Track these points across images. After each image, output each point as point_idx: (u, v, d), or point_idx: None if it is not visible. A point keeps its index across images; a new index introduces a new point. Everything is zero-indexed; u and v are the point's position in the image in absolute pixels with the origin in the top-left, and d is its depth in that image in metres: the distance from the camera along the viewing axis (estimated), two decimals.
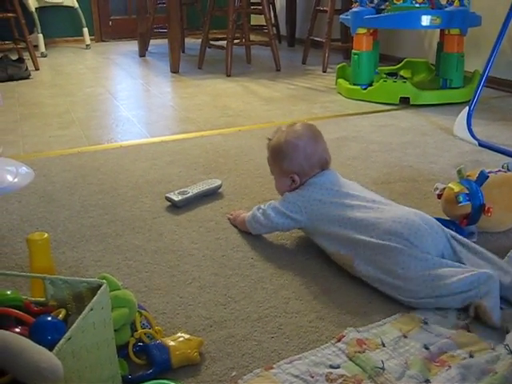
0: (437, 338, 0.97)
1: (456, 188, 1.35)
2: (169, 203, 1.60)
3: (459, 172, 1.40)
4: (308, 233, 1.34)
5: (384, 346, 0.96)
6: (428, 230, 1.15)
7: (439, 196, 1.42)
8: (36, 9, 4.55)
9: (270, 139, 1.43)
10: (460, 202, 1.32)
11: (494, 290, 1.04)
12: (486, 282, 1.04)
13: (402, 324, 1.02)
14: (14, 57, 3.72)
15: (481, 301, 1.03)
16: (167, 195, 1.60)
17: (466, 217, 1.34)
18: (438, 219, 1.28)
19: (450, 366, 0.90)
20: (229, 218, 1.51)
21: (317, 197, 1.29)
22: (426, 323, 1.02)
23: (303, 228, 1.33)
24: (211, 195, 1.65)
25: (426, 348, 0.95)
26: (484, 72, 2.11)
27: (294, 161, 1.34)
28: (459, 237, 1.21)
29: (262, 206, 1.37)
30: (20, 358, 0.63)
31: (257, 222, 1.37)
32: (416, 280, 1.08)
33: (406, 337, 0.98)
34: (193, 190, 1.62)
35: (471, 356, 0.92)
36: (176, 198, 1.58)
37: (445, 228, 1.20)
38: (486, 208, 1.32)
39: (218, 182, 1.68)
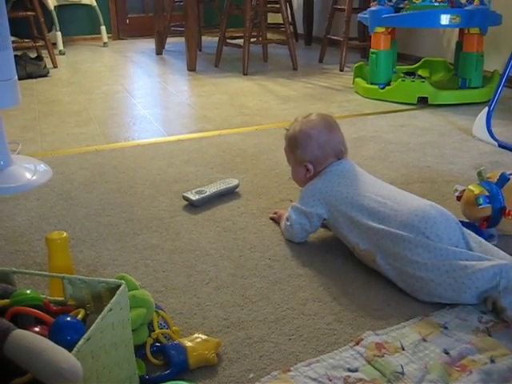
0: (457, 343, 0.96)
1: (476, 190, 1.33)
2: (186, 202, 1.60)
3: (479, 174, 1.38)
4: (330, 226, 1.34)
5: (403, 349, 0.95)
6: (443, 223, 1.15)
7: (459, 198, 1.40)
8: (55, 7, 4.60)
9: (287, 129, 1.45)
10: (480, 205, 1.30)
11: None
12: (507, 275, 1.05)
13: (421, 328, 1.01)
14: (33, 55, 3.75)
15: (499, 296, 1.03)
16: (184, 194, 1.60)
17: (486, 219, 1.33)
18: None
19: (471, 372, 0.88)
20: (272, 218, 1.50)
21: (333, 186, 1.30)
22: (445, 328, 1.00)
23: (326, 221, 1.32)
24: (228, 195, 1.65)
25: (446, 353, 0.93)
26: (504, 72, 2.09)
27: (308, 150, 1.37)
28: (473, 234, 1.20)
29: (287, 216, 1.38)
30: (41, 358, 0.64)
31: (287, 231, 1.37)
32: (438, 270, 1.08)
33: (425, 340, 0.97)
34: (210, 190, 1.62)
35: (492, 361, 0.91)
36: (193, 197, 1.58)
37: (458, 222, 1.20)
38: (507, 211, 1.30)
39: (235, 182, 1.68)
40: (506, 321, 1.02)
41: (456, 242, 1.14)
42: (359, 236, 1.22)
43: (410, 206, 1.19)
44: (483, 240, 1.19)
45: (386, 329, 1.02)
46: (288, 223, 1.36)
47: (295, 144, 1.39)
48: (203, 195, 1.59)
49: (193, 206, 1.58)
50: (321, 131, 1.38)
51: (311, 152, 1.36)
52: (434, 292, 1.08)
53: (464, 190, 1.38)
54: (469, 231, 1.20)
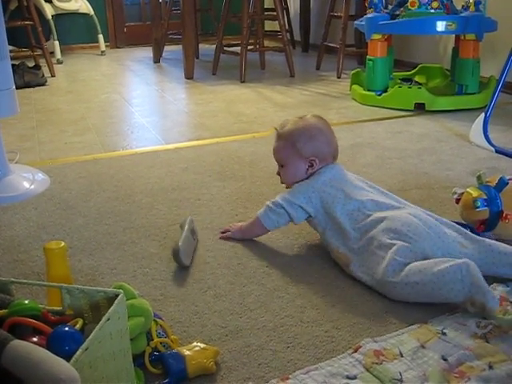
0: (455, 349, 0.96)
1: (474, 193, 1.34)
2: (184, 210, 1.60)
3: (479, 178, 1.39)
4: (313, 224, 1.35)
5: (402, 356, 0.95)
6: (426, 230, 1.19)
7: (457, 201, 1.41)
8: (52, 16, 4.60)
9: (278, 129, 1.42)
10: (477, 207, 1.31)
11: (478, 278, 1.04)
12: (467, 273, 1.05)
13: (419, 334, 1.01)
14: (31, 64, 3.76)
15: (472, 297, 1.04)
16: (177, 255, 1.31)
17: (483, 222, 1.33)
18: (454, 222, 1.27)
19: (469, 378, 0.89)
20: (225, 236, 1.43)
21: (327, 189, 1.31)
22: (444, 334, 1.01)
23: (312, 219, 1.33)
24: (228, 203, 1.65)
25: (445, 359, 0.94)
26: (500, 77, 2.09)
27: (317, 143, 1.35)
28: (467, 233, 1.23)
29: (273, 200, 1.36)
30: (39, 368, 0.64)
31: (272, 212, 1.34)
32: (401, 283, 1.11)
33: (424, 347, 0.97)
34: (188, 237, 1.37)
35: (490, 367, 0.91)
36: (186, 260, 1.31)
37: (450, 228, 1.24)
38: (504, 215, 1.31)
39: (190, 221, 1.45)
40: (491, 315, 1.03)
41: (437, 250, 1.17)
42: (341, 240, 1.26)
43: (393, 213, 1.23)
44: (480, 238, 1.21)
45: (385, 336, 1.02)
46: (272, 206, 1.34)
47: (300, 137, 1.35)
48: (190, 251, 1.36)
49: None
50: (328, 128, 1.39)
51: (320, 146, 1.35)
52: (402, 293, 1.11)
53: (463, 193, 1.39)
54: (461, 229, 1.24)
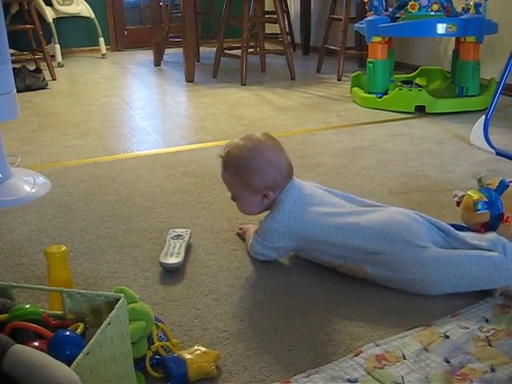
0: (458, 352, 0.96)
1: (475, 196, 1.34)
2: (184, 213, 1.60)
3: (479, 180, 1.39)
4: (302, 252, 1.29)
5: (405, 358, 0.95)
6: (417, 225, 1.20)
7: (458, 203, 1.41)
8: (53, 20, 4.62)
9: (223, 156, 1.30)
10: (478, 210, 1.31)
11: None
12: (500, 264, 1.12)
13: (423, 337, 1.01)
14: (32, 67, 3.76)
15: (506, 285, 1.11)
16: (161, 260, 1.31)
17: (483, 225, 1.33)
18: (454, 225, 1.27)
19: (471, 381, 0.89)
20: (238, 233, 1.46)
21: (296, 216, 1.23)
22: (447, 337, 1.00)
23: (299, 247, 1.27)
24: (228, 207, 1.65)
25: (447, 361, 0.94)
26: (501, 80, 2.09)
27: (267, 175, 1.24)
28: (443, 225, 1.23)
29: (253, 248, 1.31)
30: (40, 373, 0.64)
31: (257, 254, 1.31)
32: (436, 268, 1.13)
33: (427, 350, 0.97)
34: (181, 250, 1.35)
35: (493, 370, 0.91)
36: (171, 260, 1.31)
37: (426, 219, 1.24)
38: (505, 217, 1.31)
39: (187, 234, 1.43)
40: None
41: (431, 239, 1.19)
42: (344, 256, 1.21)
43: (379, 218, 1.21)
44: (463, 234, 1.23)
45: (388, 338, 1.02)
46: (256, 256, 1.31)
47: (248, 170, 1.24)
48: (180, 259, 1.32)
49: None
50: (275, 151, 1.27)
51: (270, 177, 1.24)
52: (435, 290, 1.14)
53: (463, 196, 1.39)
54: (436, 222, 1.24)
